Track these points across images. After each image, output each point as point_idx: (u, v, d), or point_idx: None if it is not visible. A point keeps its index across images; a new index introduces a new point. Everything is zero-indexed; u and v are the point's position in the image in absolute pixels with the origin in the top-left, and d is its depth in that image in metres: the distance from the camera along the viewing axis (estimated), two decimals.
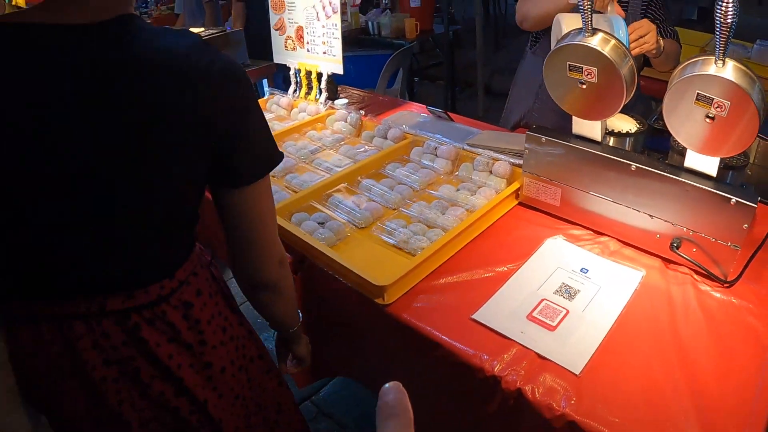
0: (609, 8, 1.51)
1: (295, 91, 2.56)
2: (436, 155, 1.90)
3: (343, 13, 4.25)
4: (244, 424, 1.13)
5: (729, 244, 1.26)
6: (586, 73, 1.32)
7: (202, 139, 0.87)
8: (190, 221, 0.99)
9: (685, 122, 1.22)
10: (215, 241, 1.73)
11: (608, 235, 1.50)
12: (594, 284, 1.33)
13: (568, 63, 1.33)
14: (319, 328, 1.50)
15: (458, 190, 1.72)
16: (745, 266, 1.29)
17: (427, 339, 1.21)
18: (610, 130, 1.58)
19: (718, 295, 1.29)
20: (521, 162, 1.67)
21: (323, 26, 2.32)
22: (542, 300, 1.28)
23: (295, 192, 1.75)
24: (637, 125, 1.59)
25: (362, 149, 2.04)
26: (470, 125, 2.23)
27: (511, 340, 1.17)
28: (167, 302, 0.97)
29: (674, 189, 1.31)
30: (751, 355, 1.11)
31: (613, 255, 1.44)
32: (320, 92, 2.44)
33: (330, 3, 2.24)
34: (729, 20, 1.04)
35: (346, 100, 2.43)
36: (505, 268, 1.40)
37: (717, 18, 1.05)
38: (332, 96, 2.47)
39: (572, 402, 1.01)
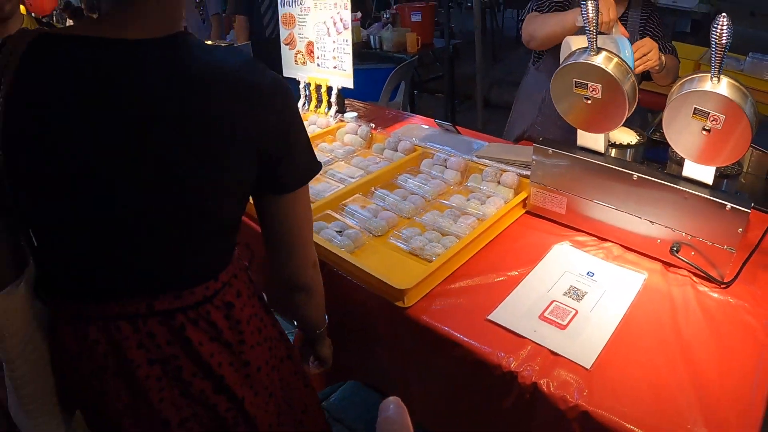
0: (614, 29, 1.61)
1: (304, 104, 2.65)
2: (445, 167, 1.99)
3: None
4: (276, 422, 1.17)
5: (725, 247, 1.36)
6: (591, 89, 1.42)
7: (252, 150, 0.93)
8: (235, 227, 1.05)
9: (683, 134, 1.32)
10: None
11: (612, 241, 1.59)
12: (600, 286, 1.42)
13: (574, 80, 1.43)
14: (335, 334, 1.57)
15: (468, 199, 1.81)
16: (741, 268, 1.39)
17: (446, 339, 1.28)
18: (612, 142, 1.67)
19: (716, 295, 1.38)
20: (528, 173, 1.77)
21: (334, 41, 2.41)
22: (552, 301, 1.37)
23: (312, 201, 1.83)
24: (638, 137, 1.69)
25: (374, 161, 2.12)
26: (476, 138, 2.32)
27: (525, 338, 1.25)
28: (211, 303, 1.01)
29: (673, 197, 1.41)
30: (749, 350, 1.20)
31: (616, 259, 1.53)
32: (330, 105, 2.54)
33: (341, 19, 2.33)
34: (724, 41, 1.15)
35: (355, 113, 2.52)
36: (516, 273, 1.49)
37: (712, 39, 1.16)
38: (341, 109, 2.56)
39: (584, 394, 1.10)
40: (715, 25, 1.15)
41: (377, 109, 2.93)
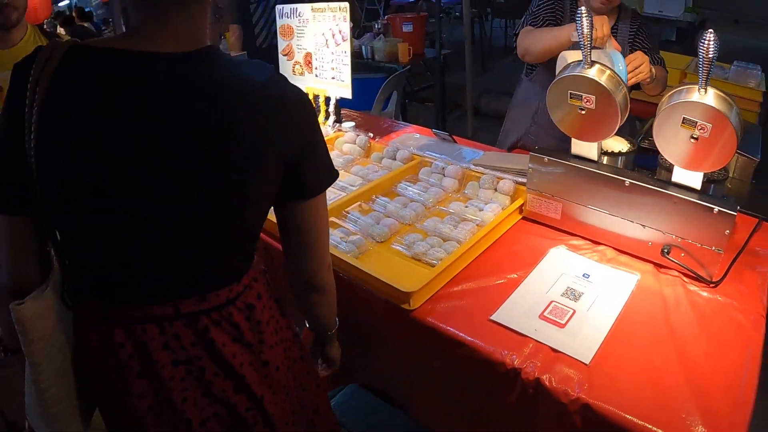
0: (607, 44, 1.69)
1: None
2: (444, 175, 2.06)
3: None
4: (291, 421, 1.20)
5: (713, 248, 1.43)
6: (585, 100, 1.50)
7: (278, 161, 0.98)
8: (258, 232, 1.09)
9: (672, 142, 1.40)
10: None
11: (605, 244, 1.67)
12: (595, 287, 1.49)
13: (569, 91, 1.51)
14: (340, 337, 1.62)
15: (467, 206, 1.87)
16: (729, 268, 1.48)
17: (451, 339, 1.34)
18: (604, 150, 1.75)
19: (705, 294, 1.45)
20: (523, 180, 1.84)
21: (332, 53, 2.45)
22: (551, 302, 1.43)
23: None
24: (629, 145, 1.77)
25: (373, 169, 2.18)
26: (472, 147, 2.39)
27: (527, 336, 1.31)
28: (234, 305, 1.04)
29: (663, 201, 1.48)
30: (738, 344, 1.28)
31: (610, 261, 1.61)
32: (328, 115, 2.60)
33: (340, 31, 2.38)
34: (711, 55, 1.23)
35: (353, 123, 2.59)
36: (516, 275, 1.55)
37: (700, 52, 1.24)
38: (339, 119, 2.62)
39: (585, 387, 1.16)
40: (703, 40, 1.24)
41: (372, 119, 3.00)
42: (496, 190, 1.94)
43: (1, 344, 1.17)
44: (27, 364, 1.02)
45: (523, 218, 1.84)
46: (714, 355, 1.25)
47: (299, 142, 1.00)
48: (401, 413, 1.73)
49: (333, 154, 2.36)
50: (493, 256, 1.66)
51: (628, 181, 1.52)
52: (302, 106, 1.00)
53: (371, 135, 2.39)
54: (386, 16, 6.12)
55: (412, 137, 2.55)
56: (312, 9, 2.45)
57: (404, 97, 5.23)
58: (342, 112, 2.83)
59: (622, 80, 1.50)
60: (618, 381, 1.18)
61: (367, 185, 2.00)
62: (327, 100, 2.60)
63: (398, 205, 1.89)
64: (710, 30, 1.21)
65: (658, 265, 1.57)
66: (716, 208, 1.38)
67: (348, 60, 2.41)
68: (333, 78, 2.52)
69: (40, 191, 0.91)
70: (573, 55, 1.69)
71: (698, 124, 1.32)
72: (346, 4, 2.31)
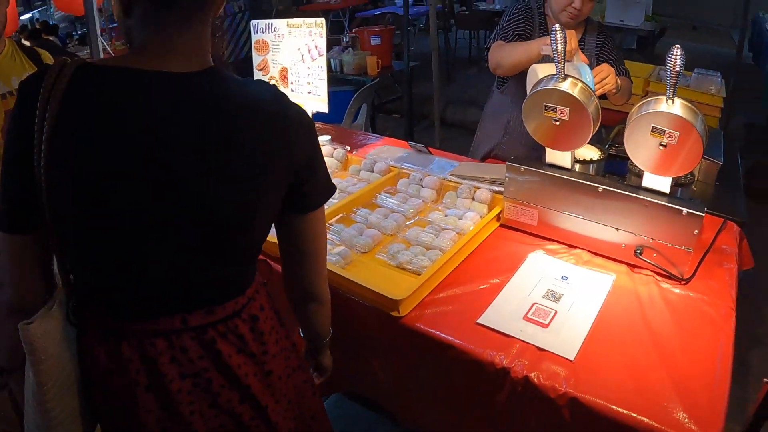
0: (575, 57, 1.78)
1: None
2: (422, 185, 2.11)
3: None
4: (294, 428, 1.23)
5: (683, 247, 1.53)
6: (559, 112, 1.58)
7: (283, 177, 1.01)
8: (261, 245, 1.12)
9: (642, 150, 1.49)
10: None
11: (581, 248, 1.75)
12: (574, 289, 1.56)
13: (544, 104, 1.59)
14: (330, 346, 1.65)
15: (446, 215, 1.93)
16: (698, 266, 1.57)
17: (440, 343, 1.39)
18: (576, 158, 1.83)
19: (677, 290, 1.54)
20: (498, 189, 1.92)
21: (308, 68, 2.49)
22: (533, 304, 1.50)
23: None
24: (599, 153, 1.86)
25: (352, 182, 2.22)
26: (447, 158, 2.46)
27: (513, 337, 1.37)
28: (239, 316, 1.06)
29: (635, 205, 1.57)
30: (710, 336, 1.37)
31: (586, 264, 1.68)
32: None
33: (316, 46, 2.43)
34: (677, 69, 1.33)
35: (329, 137, 2.63)
36: (498, 280, 1.62)
37: (668, 66, 1.34)
38: None
39: (571, 382, 1.23)
40: (670, 55, 1.33)
41: (346, 132, 3.05)
42: (473, 199, 2.01)
43: None
44: (32, 384, 1.01)
45: (501, 225, 1.90)
46: (689, 346, 1.33)
47: (303, 158, 1.03)
48: (387, 421, 1.77)
49: None
50: (474, 263, 1.72)
51: (601, 187, 1.60)
52: (305, 124, 1.03)
53: (348, 148, 2.44)
54: (354, 29, 6.20)
55: (387, 149, 2.61)
56: (288, 24, 2.49)
57: (373, 110, 5.29)
58: (316, 126, 2.84)
59: (594, 92, 1.58)
60: (602, 375, 1.25)
61: (348, 198, 2.04)
62: None
63: (380, 216, 1.93)
64: (677, 46, 1.30)
65: (631, 266, 1.66)
66: (685, 210, 1.48)
67: (324, 75, 2.45)
68: (309, 93, 2.55)
69: (49, 208, 0.91)
70: (543, 68, 1.77)
71: (666, 132, 1.41)
72: (323, 20, 2.36)
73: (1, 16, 2.01)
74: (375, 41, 5.06)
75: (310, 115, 1.08)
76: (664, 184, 1.54)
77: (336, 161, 2.40)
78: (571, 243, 1.76)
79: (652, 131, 1.43)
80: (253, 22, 2.65)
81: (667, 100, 1.41)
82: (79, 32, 9.38)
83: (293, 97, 2.59)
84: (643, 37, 6.63)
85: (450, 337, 1.39)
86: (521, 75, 2.04)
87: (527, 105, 1.64)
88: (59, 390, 1.03)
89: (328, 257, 1.65)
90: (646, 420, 1.13)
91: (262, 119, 0.97)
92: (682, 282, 1.56)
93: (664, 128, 1.41)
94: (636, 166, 1.57)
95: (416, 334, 1.44)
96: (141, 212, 0.91)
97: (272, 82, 2.67)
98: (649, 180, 1.56)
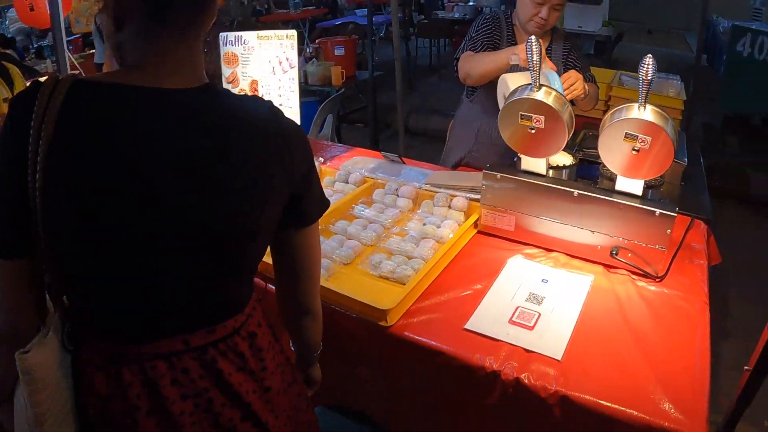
0: (543, 64, 1.83)
1: None
2: (398, 195, 2.14)
3: None
4: None
5: (657, 246, 1.59)
6: (535, 120, 1.63)
7: (282, 193, 1.02)
8: (259, 262, 1.11)
9: (616, 154, 1.55)
10: None
11: (558, 251, 1.80)
12: (555, 291, 1.61)
13: (519, 113, 1.64)
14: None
15: (425, 224, 1.96)
16: (670, 263, 1.64)
17: (430, 350, 1.42)
18: (550, 164, 1.89)
19: (653, 288, 1.61)
20: (474, 196, 1.96)
21: (279, 80, 2.47)
22: (517, 307, 1.54)
23: None
24: (572, 158, 1.92)
25: (328, 194, 2.22)
26: (420, 167, 2.49)
27: (501, 341, 1.41)
28: (238, 334, 1.06)
29: (609, 208, 1.63)
30: (687, 328, 1.44)
31: (564, 266, 1.74)
32: None
33: (287, 59, 2.43)
34: (649, 77, 1.40)
35: None
36: (480, 286, 1.65)
37: (640, 75, 1.41)
38: None
39: (560, 381, 1.27)
40: (643, 64, 1.40)
41: (315, 143, 3.05)
42: (450, 207, 2.05)
43: None
44: (29, 414, 0.99)
45: (479, 232, 1.94)
46: (668, 339, 1.40)
47: (300, 173, 1.05)
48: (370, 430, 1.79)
49: None
50: (455, 270, 1.75)
51: (576, 191, 1.66)
52: (302, 139, 1.05)
53: (321, 160, 2.45)
54: (317, 40, 6.21)
55: (361, 160, 2.63)
56: (258, 37, 2.48)
57: (338, 120, 5.31)
58: None
59: (566, 100, 1.64)
60: (589, 371, 1.30)
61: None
62: None
63: (358, 227, 1.94)
64: (649, 55, 1.37)
65: (608, 266, 1.72)
66: (658, 211, 1.54)
67: (296, 87, 2.46)
68: (280, 105, 2.55)
69: (44, 228, 0.89)
70: (513, 78, 1.83)
71: (639, 137, 1.47)
72: (294, 32, 2.37)
73: None
74: (339, 51, 5.09)
75: None
76: (636, 187, 1.61)
77: None
78: (548, 247, 1.82)
79: (625, 137, 1.49)
80: (222, 35, 2.63)
81: (639, 107, 1.47)
82: (36, 45, 9.15)
83: None
84: (601, 42, 6.81)
85: (439, 344, 1.42)
86: (490, 84, 2.09)
87: (503, 114, 1.69)
88: (56, 418, 1.01)
89: None
90: (635, 413, 1.18)
91: (259, 135, 0.97)
92: (657, 279, 1.62)
93: (637, 134, 1.48)
94: (608, 169, 1.64)
95: (405, 342, 1.46)
96: (129, 227, 0.90)
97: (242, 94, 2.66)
98: (623, 183, 1.62)
